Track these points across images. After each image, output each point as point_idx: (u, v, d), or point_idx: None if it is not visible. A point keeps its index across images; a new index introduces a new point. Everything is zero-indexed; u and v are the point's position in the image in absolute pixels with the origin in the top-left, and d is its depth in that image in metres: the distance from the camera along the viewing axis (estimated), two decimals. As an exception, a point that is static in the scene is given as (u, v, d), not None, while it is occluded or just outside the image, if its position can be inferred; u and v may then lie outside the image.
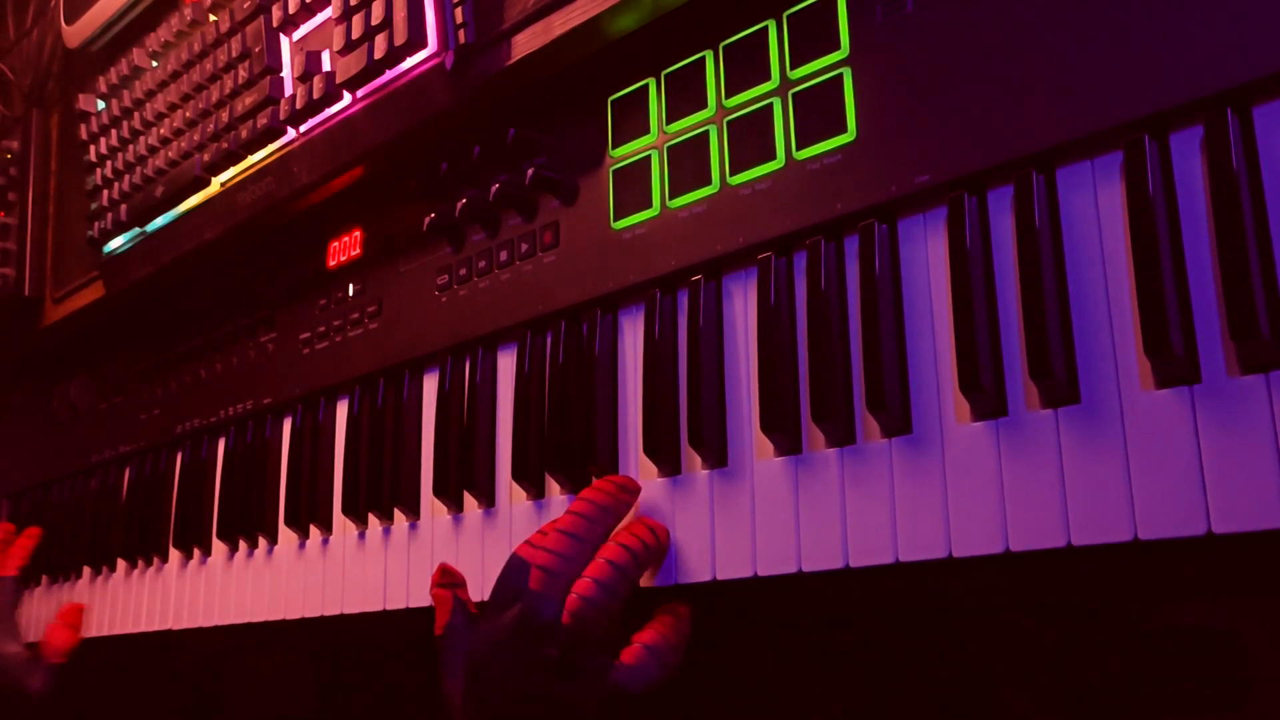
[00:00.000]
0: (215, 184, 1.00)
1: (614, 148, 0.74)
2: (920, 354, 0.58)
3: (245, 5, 0.98)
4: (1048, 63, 0.55)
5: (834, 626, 0.86)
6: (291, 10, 0.94)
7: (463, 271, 0.82)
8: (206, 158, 0.99)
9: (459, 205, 0.81)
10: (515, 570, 0.66)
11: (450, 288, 0.83)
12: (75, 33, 1.22)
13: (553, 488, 0.73)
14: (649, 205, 0.71)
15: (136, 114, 1.09)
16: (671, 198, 0.69)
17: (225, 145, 0.97)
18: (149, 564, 1.08)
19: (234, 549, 0.99)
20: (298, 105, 0.90)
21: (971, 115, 0.57)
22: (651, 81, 0.73)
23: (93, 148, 1.14)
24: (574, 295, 0.74)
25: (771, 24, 0.67)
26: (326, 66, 0.91)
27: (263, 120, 0.93)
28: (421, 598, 0.79)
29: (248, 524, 0.96)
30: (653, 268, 0.70)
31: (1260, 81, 0.48)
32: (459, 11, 0.79)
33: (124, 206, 1.08)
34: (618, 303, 0.73)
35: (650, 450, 0.67)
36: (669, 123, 0.71)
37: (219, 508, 1.01)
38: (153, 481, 1.10)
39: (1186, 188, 0.51)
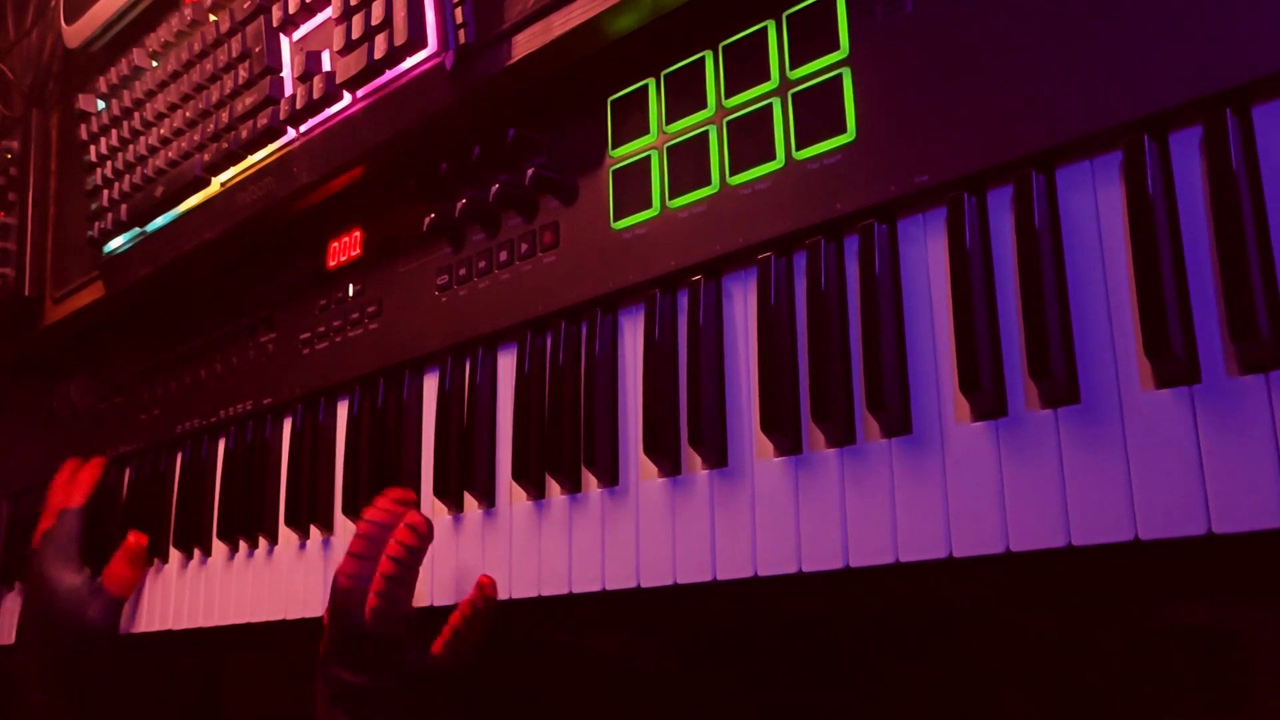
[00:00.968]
0: (215, 184, 1.00)
1: (614, 148, 0.74)
2: (920, 354, 0.58)
3: (245, 5, 0.98)
4: (1047, 63, 0.55)
5: (834, 627, 0.86)
6: (291, 10, 0.94)
7: (463, 271, 0.82)
8: (206, 158, 0.99)
9: (459, 205, 0.81)
10: (333, 593, 0.76)
11: (450, 288, 0.83)
12: (75, 33, 1.22)
13: (553, 488, 0.73)
14: (649, 205, 0.71)
15: (136, 114, 1.09)
16: (671, 198, 0.69)
17: (225, 145, 0.97)
18: (149, 564, 1.08)
19: (234, 549, 0.99)
20: (298, 105, 0.90)
21: (971, 115, 0.57)
22: (651, 81, 0.73)
23: (93, 148, 1.14)
24: (574, 295, 0.74)
25: (771, 24, 0.67)
26: (326, 66, 0.91)
27: (263, 120, 0.93)
28: (422, 597, 0.79)
29: (248, 524, 0.96)
30: (653, 268, 0.70)
31: (1260, 81, 0.48)
32: (459, 11, 0.79)
33: (124, 206, 1.08)
34: (618, 303, 0.73)
35: (650, 450, 0.67)
36: (669, 123, 0.71)
37: (219, 508, 1.01)
38: (153, 481, 1.10)
39: (1186, 188, 0.51)
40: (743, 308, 0.66)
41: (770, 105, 0.66)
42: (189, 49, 1.03)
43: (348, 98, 0.88)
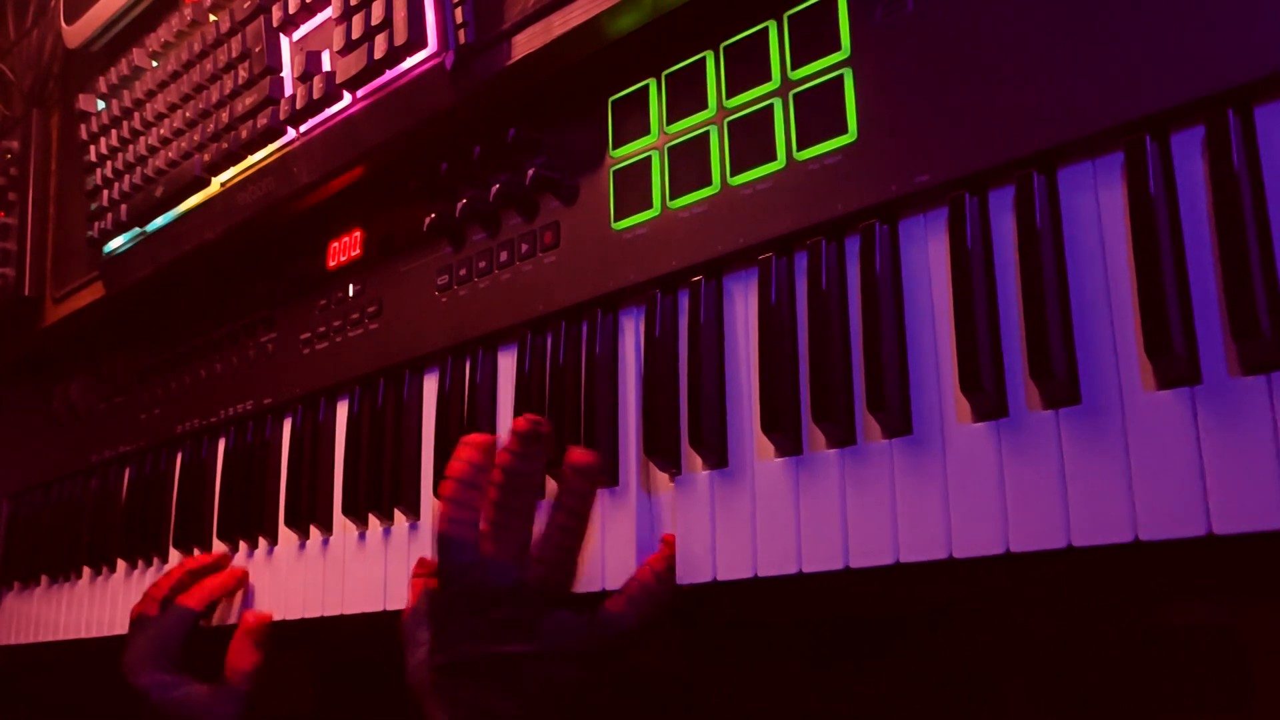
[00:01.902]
0: (215, 184, 1.00)
1: (614, 148, 0.74)
2: (921, 354, 0.58)
3: (245, 5, 0.98)
4: (1048, 62, 0.55)
5: (833, 627, 0.86)
6: (291, 10, 0.94)
7: (463, 271, 0.82)
8: (206, 158, 0.99)
9: (459, 205, 0.81)
10: (444, 546, 0.65)
11: (450, 288, 0.83)
12: (75, 33, 1.22)
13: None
14: (649, 205, 0.70)
15: (136, 114, 1.09)
16: (672, 198, 0.69)
17: (225, 145, 0.97)
18: (149, 564, 1.08)
19: (234, 549, 0.99)
20: (298, 105, 0.90)
21: (972, 115, 0.57)
22: (652, 82, 0.73)
23: (93, 148, 1.14)
24: (574, 295, 0.74)
25: (772, 24, 0.67)
26: (326, 66, 0.91)
27: (263, 120, 0.93)
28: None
29: (248, 524, 0.96)
30: (653, 268, 0.70)
31: (1261, 81, 0.48)
32: (459, 11, 0.79)
33: (124, 206, 1.08)
34: (618, 303, 0.73)
35: (650, 450, 0.67)
36: (669, 123, 0.71)
37: (219, 508, 1.01)
38: (153, 481, 1.10)
39: (1187, 188, 0.51)
40: (743, 308, 0.66)
41: (771, 105, 0.66)
42: (189, 49, 1.03)
43: (348, 98, 0.88)
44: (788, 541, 0.60)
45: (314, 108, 0.89)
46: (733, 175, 0.67)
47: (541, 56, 0.75)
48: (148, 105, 1.07)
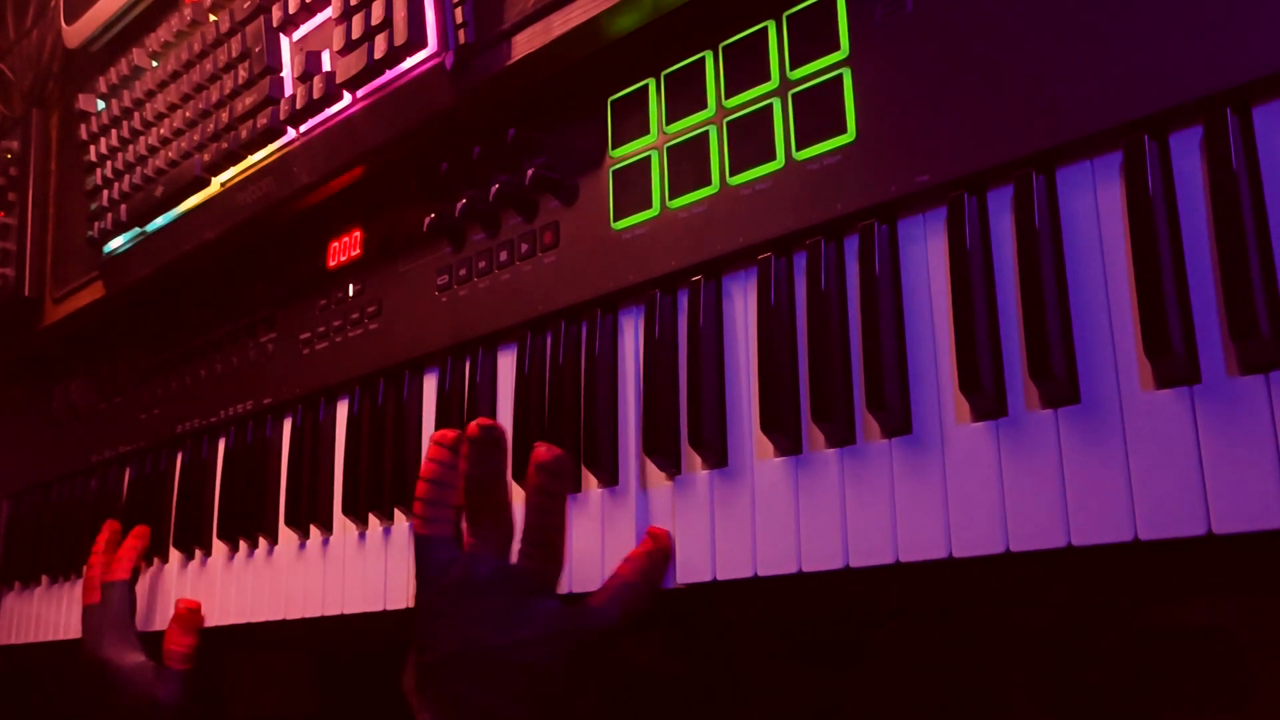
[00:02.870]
0: (215, 184, 1.00)
1: (614, 148, 0.74)
2: (920, 354, 0.58)
3: (245, 5, 0.98)
4: (1048, 62, 0.55)
5: (833, 627, 0.86)
6: (291, 10, 0.94)
7: (463, 271, 0.82)
8: (206, 158, 0.99)
9: (459, 205, 0.81)
10: (422, 546, 0.66)
11: (450, 288, 0.83)
12: (75, 33, 1.22)
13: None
14: (649, 205, 0.71)
15: (136, 114, 1.09)
16: (671, 198, 0.69)
17: (225, 145, 0.97)
18: (149, 564, 1.08)
19: (234, 549, 0.99)
20: (298, 105, 0.90)
21: (971, 115, 0.57)
22: (651, 82, 0.73)
23: (93, 148, 1.14)
24: (574, 295, 0.74)
25: (771, 24, 0.67)
26: (326, 66, 0.91)
27: (263, 120, 0.93)
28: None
29: (248, 524, 0.96)
30: (653, 268, 0.70)
31: (1260, 81, 0.48)
32: (459, 11, 0.79)
33: (124, 206, 1.08)
34: (618, 303, 0.73)
35: (650, 450, 0.67)
36: (669, 123, 0.71)
37: (219, 508, 1.01)
38: (153, 481, 1.10)
39: (1186, 188, 0.51)
40: (743, 308, 0.66)
41: (770, 105, 0.66)
42: (189, 49, 1.03)
43: (348, 98, 0.88)
44: (787, 541, 0.60)
45: (314, 108, 0.89)
46: (732, 175, 0.67)
47: (541, 56, 0.75)
48: (148, 105, 1.07)
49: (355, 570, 0.85)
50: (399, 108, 0.83)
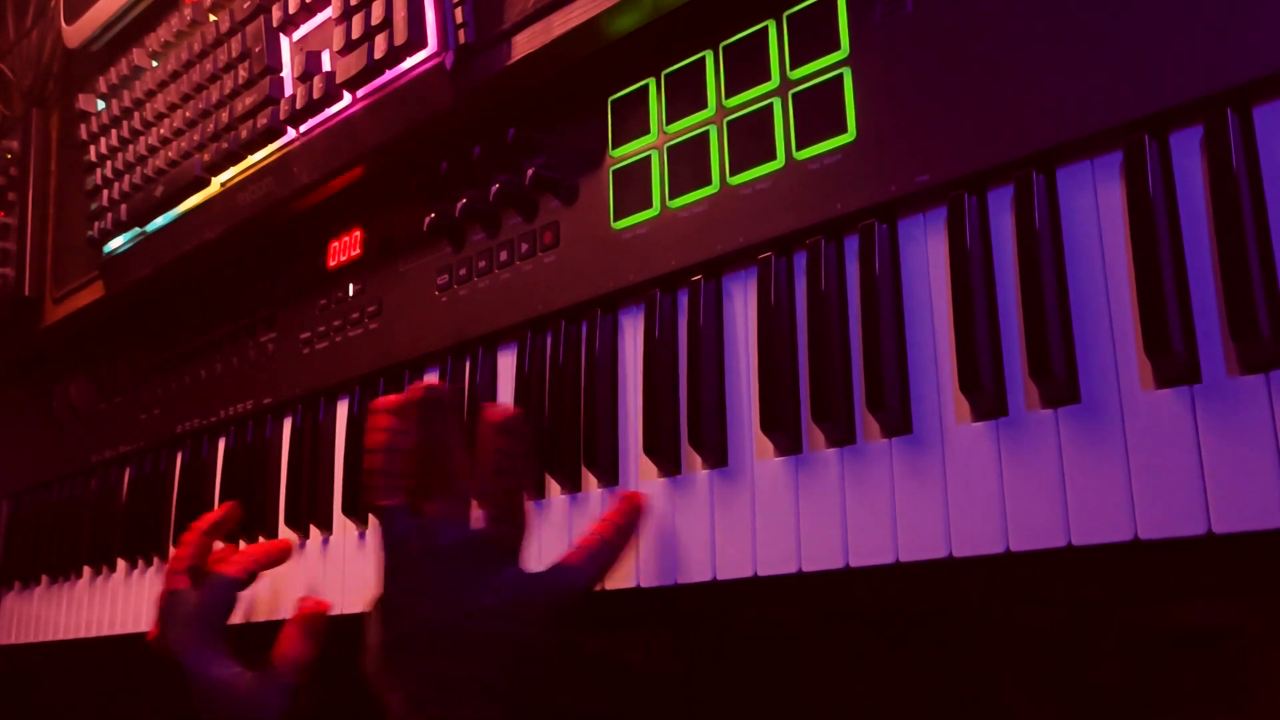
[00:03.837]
0: (215, 184, 1.00)
1: (614, 148, 0.74)
2: (920, 354, 0.58)
3: (245, 5, 0.98)
4: (1048, 62, 0.55)
5: (833, 627, 0.86)
6: (291, 10, 0.94)
7: (463, 271, 0.82)
8: (206, 158, 0.99)
9: (459, 205, 0.81)
10: (380, 519, 0.63)
11: (450, 288, 0.83)
12: (75, 33, 1.22)
13: (553, 488, 0.73)
14: (649, 205, 0.71)
15: (136, 114, 1.09)
16: (671, 198, 0.69)
17: (225, 145, 0.97)
18: (149, 564, 1.08)
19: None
20: (298, 105, 0.90)
21: (971, 115, 0.57)
22: (651, 81, 0.73)
23: (93, 148, 1.14)
24: (574, 295, 0.74)
25: (771, 24, 0.67)
26: (326, 66, 0.91)
27: (263, 120, 0.93)
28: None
29: (248, 524, 0.96)
30: (653, 268, 0.70)
31: (1260, 81, 0.48)
32: (459, 11, 0.79)
33: (124, 206, 1.08)
34: (618, 303, 0.73)
35: (650, 450, 0.67)
36: (669, 123, 0.71)
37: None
38: (153, 481, 1.10)
39: (1186, 187, 0.51)
40: (743, 308, 0.66)
41: (770, 105, 0.66)
42: (189, 49, 1.03)
43: (348, 98, 0.88)
44: (787, 540, 0.60)
45: (314, 108, 0.89)
46: (732, 175, 0.67)
47: (541, 56, 0.75)
48: (148, 105, 1.07)
49: (355, 570, 0.85)
50: (399, 108, 0.83)
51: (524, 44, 0.75)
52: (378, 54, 0.82)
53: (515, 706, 0.58)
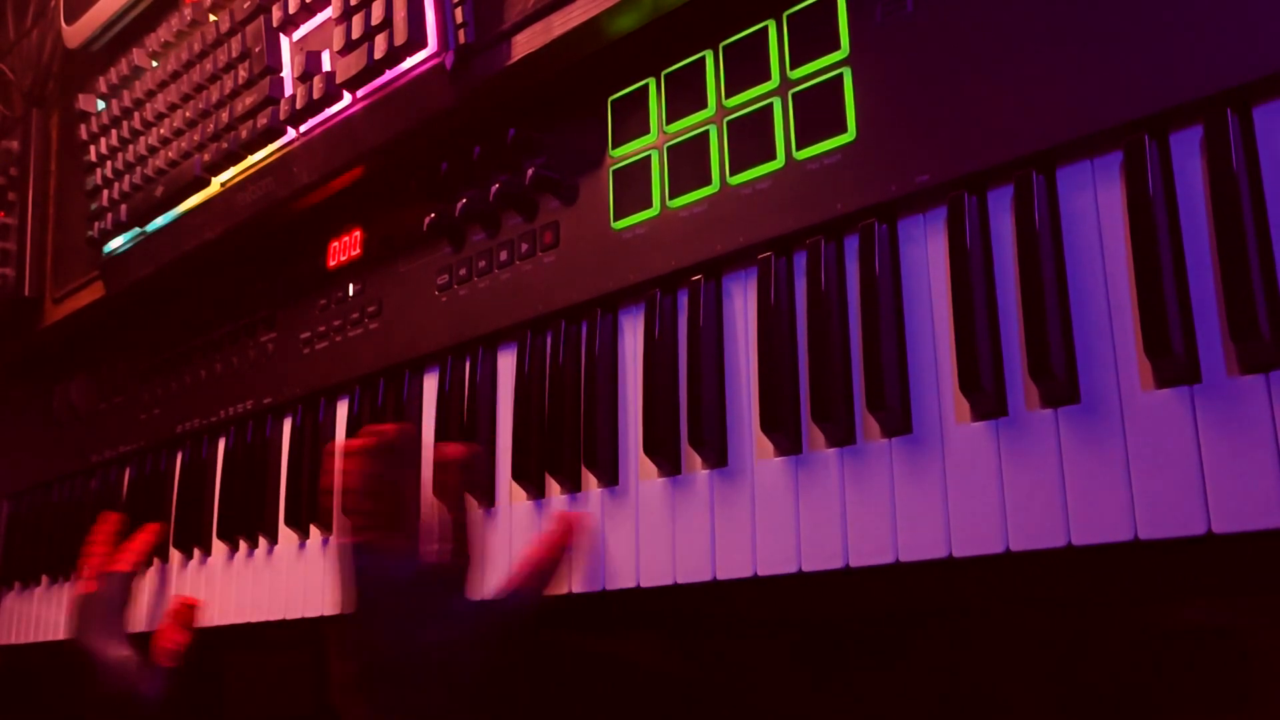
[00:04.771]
0: (215, 184, 1.00)
1: (614, 148, 0.74)
2: (920, 354, 0.58)
3: (245, 5, 0.98)
4: (1048, 62, 0.55)
5: (832, 627, 0.86)
6: (291, 10, 0.94)
7: (463, 271, 0.82)
8: (206, 158, 0.99)
9: (459, 205, 0.81)
10: (341, 555, 0.68)
11: (450, 288, 0.83)
12: (75, 33, 1.22)
13: (553, 488, 0.73)
14: (649, 205, 0.71)
15: (136, 114, 1.09)
16: (671, 198, 0.69)
17: (225, 145, 0.97)
18: (149, 564, 1.08)
19: (234, 549, 0.99)
20: (298, 105, 0.90)
21: (971, 115, 0.57)
22: (651, 81, 0.73)
23: (93, 148, 1.14)
24: (574, 295, 0.74)
25: (771, 24, 0.67)
26: (326, 66, 0.91)
27: (263, 120, 0.93)
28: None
29: (248, 524, 0.96)
30: (653, 268, 0.70)
31: (1260, 81, 0.48)
32: (459, 11, 0.79)
33: (124, 206, 1.08)
34: (618, 303, 0.73)
35: (650, 450, 0.67)
36: (669, 123, 0.71)
37: (219, 508, 1.01)
38: (153, 481, 1.10)
39: (1186, 188, 0.51)
40: (743, 307, 0.66)
41: (770, 105, 0.66)
42: (189, 49, 1.03)
43: (348, 98, 0.88)
44: (787, 541, 0.60)
45: (314, 108, 0.89)
46: (732, 175, 0.67)
47: (541, 56, 0.75)
48: (148, 105, 1.07)
49: (355, 570, 0.85)
50: (399, 108, 0.83)
51: (524, 44, 0.75)
52: (378, 54, 0.82)
53: None
